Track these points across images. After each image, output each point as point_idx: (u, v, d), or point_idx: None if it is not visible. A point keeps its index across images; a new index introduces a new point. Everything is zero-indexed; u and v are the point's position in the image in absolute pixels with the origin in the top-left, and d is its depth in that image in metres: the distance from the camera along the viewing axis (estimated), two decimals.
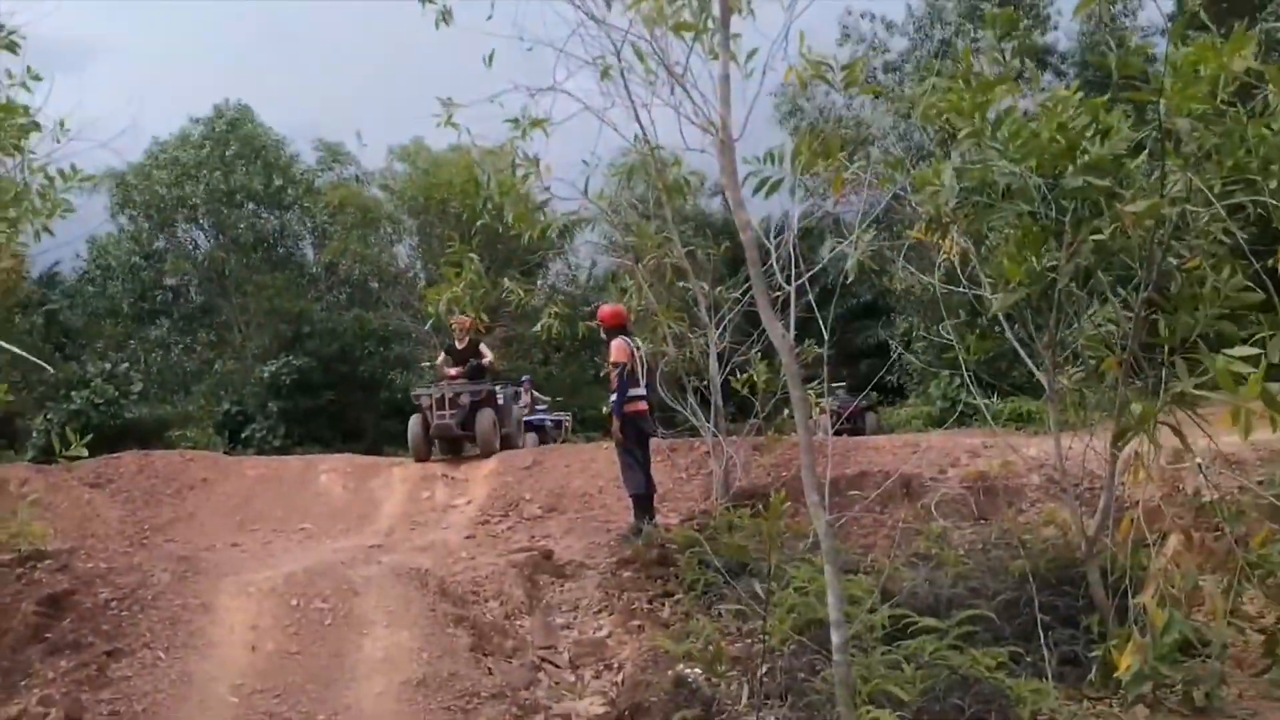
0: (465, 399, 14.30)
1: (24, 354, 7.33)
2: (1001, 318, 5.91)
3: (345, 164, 32.27)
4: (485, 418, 14.27)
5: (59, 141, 7.50)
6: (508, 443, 15.06)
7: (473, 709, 6.09)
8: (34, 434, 23.07)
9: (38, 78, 7.10)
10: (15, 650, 6.86)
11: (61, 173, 7.21)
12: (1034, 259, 5.16)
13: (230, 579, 8.13)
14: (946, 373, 19.14)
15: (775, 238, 5.49)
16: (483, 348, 15.23)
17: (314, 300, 29.87)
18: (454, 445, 15.02)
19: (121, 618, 7.23)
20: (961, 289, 6.15)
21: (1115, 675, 5.42)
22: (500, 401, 14.95)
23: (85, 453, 7.35)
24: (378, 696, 6.29)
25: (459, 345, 15.18)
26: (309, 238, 31.72)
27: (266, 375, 26.83)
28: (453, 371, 14.82)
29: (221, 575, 8.25)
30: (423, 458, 14.41)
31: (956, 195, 5.16)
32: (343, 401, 27.46)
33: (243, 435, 26.03)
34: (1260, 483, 7.47)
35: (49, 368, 7.55)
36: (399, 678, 6.45)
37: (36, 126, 7.01)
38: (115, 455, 14.57)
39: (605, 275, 29.29)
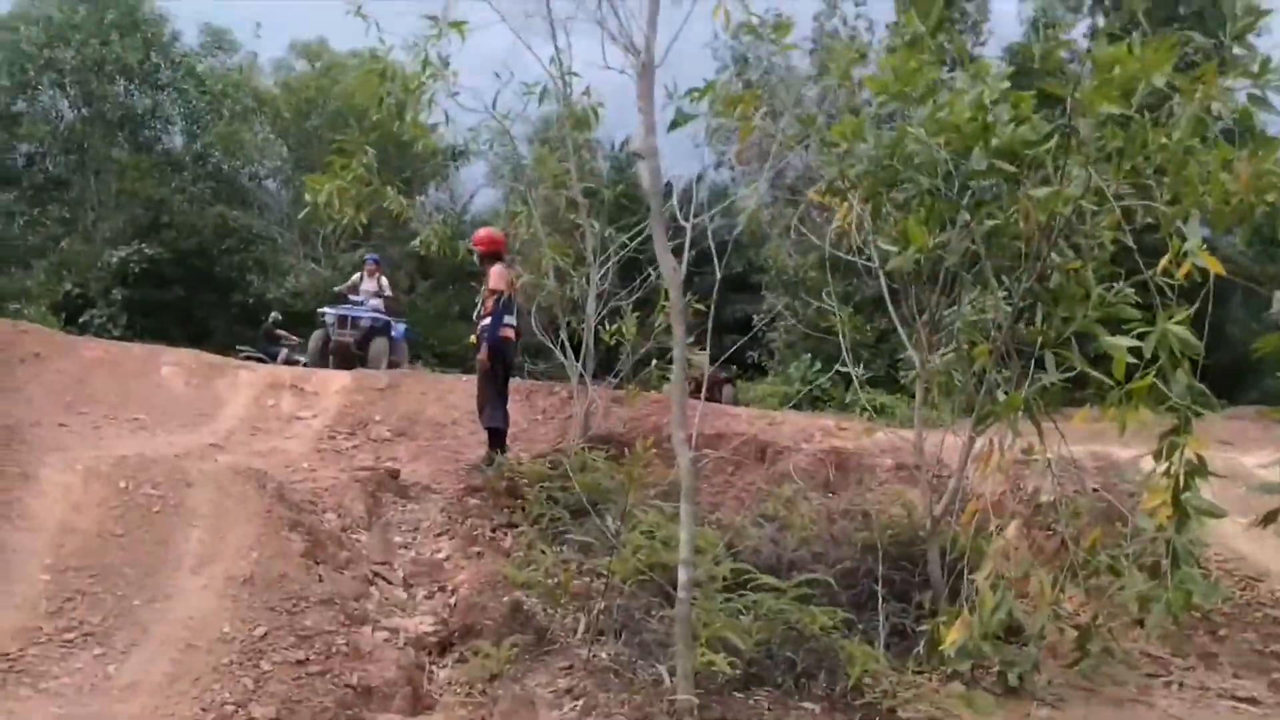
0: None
1: None
2: (886, 293, 5.98)
3: (230, 51, 30.74)
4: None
5: None
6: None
7: (299, 612, 5.89)
8: None
9: None
10: None
11: None
12: (927, 235, 5.21)
13: (56, 454, 7.72)
14: (807, 356, 19.53)
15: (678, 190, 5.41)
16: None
17: (177, 190, 28.34)
18: (348, 362, 15.66)
19: None
20: (849, 257, 6.19)
21: (940, 649, 5.59)
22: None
23: None
24: (202, 589, 6.03)
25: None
26: (180, 123, 29.92)
27: (115, 261, 25.51)
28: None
29: (46, 451, 7.81)
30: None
31: (864, 162, 5.18)
32: (193, 299, 26.36)
33: (80, 320, 24.73)
34: (1096, 490, 7.82)
35: None
36: (226, 572, 6.20)
37: None
38: None
39: (483, 211, 29.02)
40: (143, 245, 25.79)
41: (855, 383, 6.82)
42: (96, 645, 5.34)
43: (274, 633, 5.59)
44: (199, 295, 26.34)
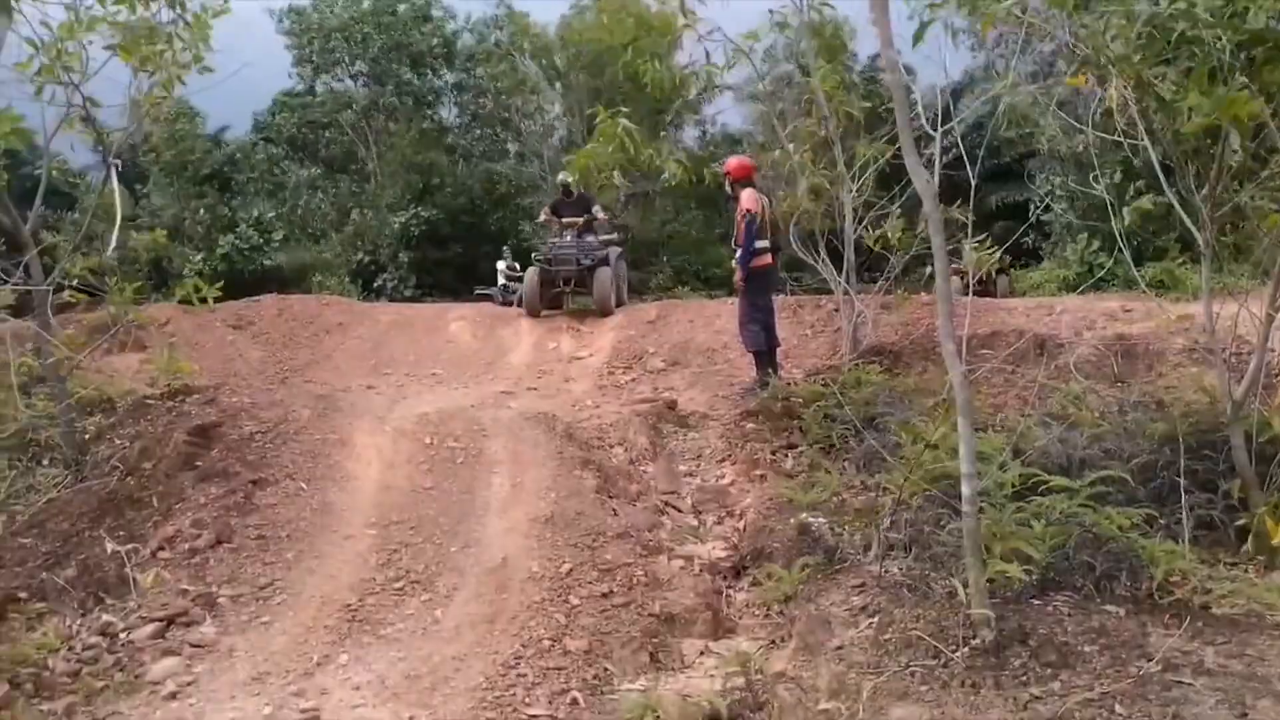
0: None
1: None
2: (1159, 171, 5.59)
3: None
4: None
5: None
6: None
7: (598, 546, 6.23)
8: (183, 277, 23.92)
9: None
10: (169, 476, 7.24)
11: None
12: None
13: (366, 418, 8.41)
14: (1084, 235, 18.46)
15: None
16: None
17: (448, 152, 30.02)
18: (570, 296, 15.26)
19: (265, 450, 7.55)
20: (1117, 137, 5.81)
21: (1258, 540, 5.28)
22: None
23: (216, 294, 7.84)
24: (507, 531, 6.48)
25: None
26: (451, 94, 31.79)
27: (397, 226, 27.31)
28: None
29: (358, 415, 8.53)
30: (535, 313, 14.60)
31: (1131, 36, 4.83)
32: (471, 254, 27.77)
33: (375, 285, 26.67)
34: None
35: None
36: (528, 514, 6.63)
37: None
38: (255, 299, 15.11)
39: (726, 137, 29.04)
40: (419, 209, 27.44)
41: (1134, 273, 6.41)
42: (423, 592, 5.87)
43: (577, 569, 5.95)
44: (477, 249, 27.63)
